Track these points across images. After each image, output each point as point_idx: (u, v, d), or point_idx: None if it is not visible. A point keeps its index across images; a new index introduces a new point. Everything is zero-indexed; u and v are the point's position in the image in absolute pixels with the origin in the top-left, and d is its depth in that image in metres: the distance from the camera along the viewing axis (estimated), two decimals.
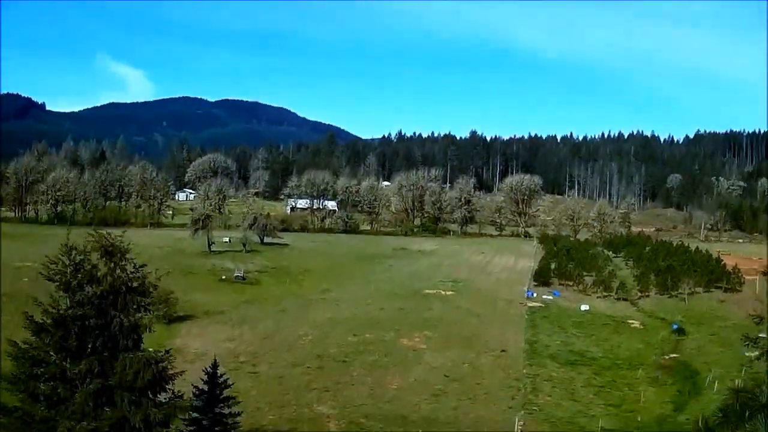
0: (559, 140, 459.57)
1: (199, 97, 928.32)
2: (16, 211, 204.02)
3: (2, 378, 30.66)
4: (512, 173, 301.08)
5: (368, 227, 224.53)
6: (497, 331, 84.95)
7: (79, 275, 30.53)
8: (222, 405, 40.99)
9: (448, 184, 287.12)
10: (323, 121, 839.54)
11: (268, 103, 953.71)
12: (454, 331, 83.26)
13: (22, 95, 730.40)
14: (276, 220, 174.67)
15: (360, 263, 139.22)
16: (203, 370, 41.73)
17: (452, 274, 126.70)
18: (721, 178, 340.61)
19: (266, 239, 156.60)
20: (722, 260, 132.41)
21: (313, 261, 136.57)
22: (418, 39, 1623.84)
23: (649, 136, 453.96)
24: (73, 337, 29.97)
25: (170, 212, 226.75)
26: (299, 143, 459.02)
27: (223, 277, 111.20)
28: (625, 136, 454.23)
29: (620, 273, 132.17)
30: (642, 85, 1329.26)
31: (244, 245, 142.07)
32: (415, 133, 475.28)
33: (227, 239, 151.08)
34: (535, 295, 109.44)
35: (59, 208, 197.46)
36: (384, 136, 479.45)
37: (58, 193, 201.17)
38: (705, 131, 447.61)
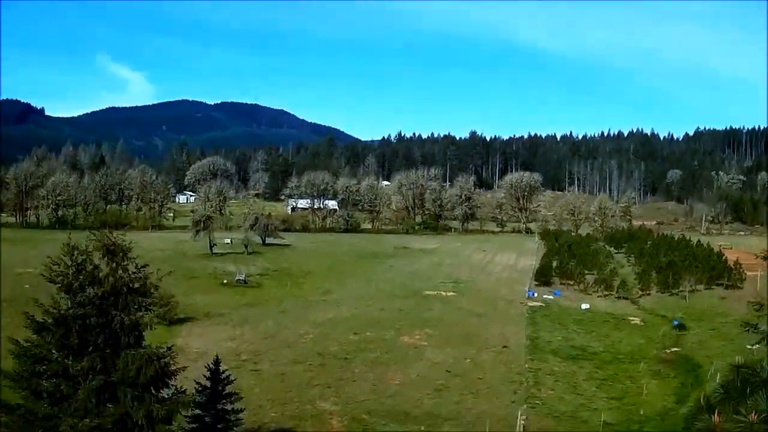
0: (558, 139, 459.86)
1: (198, 100, 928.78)
2: (17, 216, 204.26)
3: (5, 376, 30.77)
4: (512, 171, 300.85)
5: (369, 226, 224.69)
6: (498, 329, 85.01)
7: (81, 276, 30.68)
8: (224, 401, 41.08)
9: (448, 183, 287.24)
10: (323, 123, 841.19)
11: (267, 105, 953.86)
12: (455, 329, 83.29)
13: (21, 101, 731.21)
14: (277, 220, 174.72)
15: (361, 263, 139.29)
16: (205, 367, 41.87)
17: (453, 273, 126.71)
18: (721, 173, 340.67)
19: (268, 240, 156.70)
20: (724, 255, 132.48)
21: (315, 262, 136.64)
22: (416, 39, 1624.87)
23: (648, 134, 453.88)
24: (75, 335, 30.11)
25: (171, 214, 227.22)
26: (299, 145, 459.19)
27: (225, 281, 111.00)
28: (625, 134, 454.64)
29: (622, 270, 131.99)
30: (642, 83, 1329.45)
31: (246, 246, 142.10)
32: (414, 134, 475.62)
33: (229, 240, 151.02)
34: (536, 294, 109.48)
35: (60, 213, 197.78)
36: (383, 138, 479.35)
37: (58, 198, 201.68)
38: (704, 128, 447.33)
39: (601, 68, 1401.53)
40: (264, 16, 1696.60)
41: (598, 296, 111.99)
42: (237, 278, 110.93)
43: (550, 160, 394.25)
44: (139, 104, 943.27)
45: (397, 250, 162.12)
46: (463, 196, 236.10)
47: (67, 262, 30.85)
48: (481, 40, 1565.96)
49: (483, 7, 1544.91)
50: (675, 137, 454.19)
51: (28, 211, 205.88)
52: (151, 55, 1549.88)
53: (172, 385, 32.62)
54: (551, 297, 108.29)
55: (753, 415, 8.07)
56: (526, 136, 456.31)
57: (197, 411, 39.65)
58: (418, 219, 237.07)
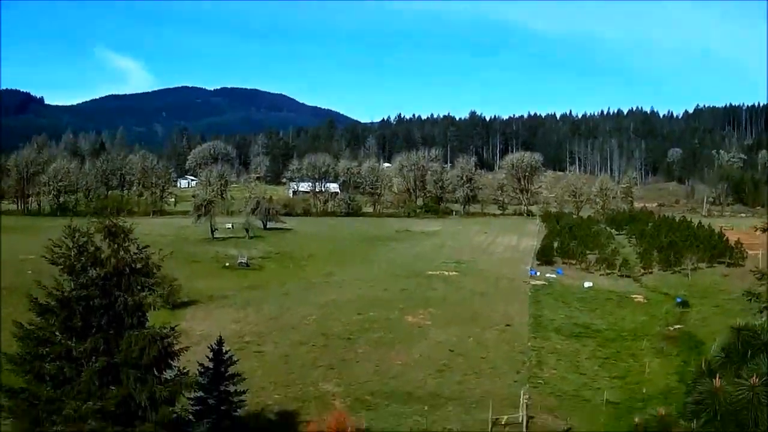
0: (558, 118, 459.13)
1: (197, 86, 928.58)
2: (19, 203, 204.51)
3: (8, 359, 30.81)
4: (512, 152, 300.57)
5: (371, 209, 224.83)
6: (501, 308, 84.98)
7: (83, 258, 30.69)
8: (227, 383, 41.16)
9: (449, 164, 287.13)
10: (322, 107, 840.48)
11: (267, 90, 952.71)
12: (458, 308, 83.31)
13: (21, 90, 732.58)
14: (278, 204, 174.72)
15: (363, 246, 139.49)
16: (208, 347, 41.99)
17: (455, 254, 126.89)
18: (722, 151, 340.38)
19: (269, 224, 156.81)
20: (725, 235, 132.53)
21: (317, 245, 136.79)
22: (414, 21, 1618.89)
23: (648, 112, 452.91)
24: (78, 317, 30.14)
25: (172, 200, 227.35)
26: (299, 128, 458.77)
27: (227, 264, 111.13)
28: (625, 113, 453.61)
29: (623, 251, 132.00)
30: (640, 61, 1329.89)
31: (247, 231, 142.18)
32: (414, 115, 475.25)
33: (230, 225, 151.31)
34: (538, 273, 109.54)
35: (61, 199, 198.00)
36: (383, 119, 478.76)
37: (59, 184, 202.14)
38: (704, 106, 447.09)
39: (599, 46, 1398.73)
40: (261, 1, 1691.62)
41: (600, 275, 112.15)
42: (239, 261, 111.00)
43: (550, 140, 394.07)
44: (138, 92, 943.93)
45: (398, 233, 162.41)
46: (464, 178, 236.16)
47: (68, 244, 30.86)
48: (479, 20, 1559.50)
49: None
50: (675, 115, 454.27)
51: (30, 198, 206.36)
52: (150, 42, 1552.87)
53: (175, 366, 32.68)
54: (554, 276, 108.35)
55: (754, 377, 8.07)
56: (525, 116, 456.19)
57: (200, 393, 39.76)
58: (420, 202, 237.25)
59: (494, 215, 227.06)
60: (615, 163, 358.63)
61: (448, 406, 51.44)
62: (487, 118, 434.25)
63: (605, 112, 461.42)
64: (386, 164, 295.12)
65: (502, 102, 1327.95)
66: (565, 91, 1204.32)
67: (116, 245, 31.11)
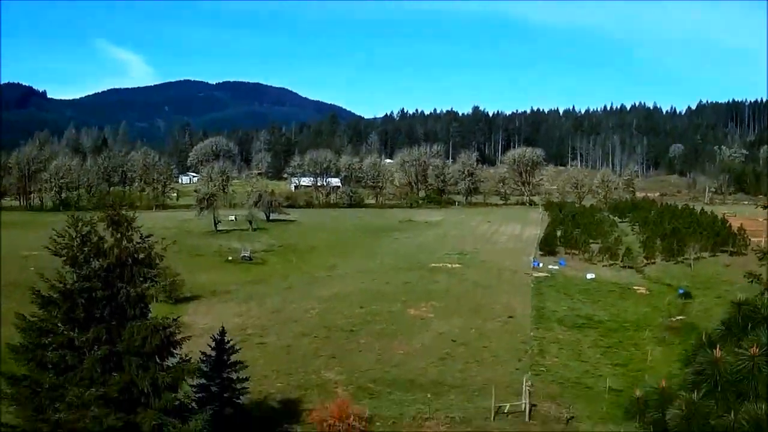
0: (561, 114, 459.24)
1: (200, 80, 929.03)
2: (21, 199, 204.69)
3: (10, 349, 30.91)
4: (514, 147, 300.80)
5: (373, 201, 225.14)
6: (504, 300, 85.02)
7: (86, 249, 30.74)
8: (229, 370, 41.31)
9: (451, 160, 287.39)
10: (326, 101, 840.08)
11: (269, 84, 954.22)
12: (460, 300, 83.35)
13: (23, 84, 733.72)
14: (281, 197, 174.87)
15: (365, 237, 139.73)
16: (211, 337, 42.15)
17: (458, 245, 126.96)
18: (724, 147, 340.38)
19: (272, 216, 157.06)
20: (728, 221, 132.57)
21: (319, 237, 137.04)
22: (417, 15, 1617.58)
23: (651, 108, 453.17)
24: (81, 308, 30.25)
25: (174, 194, 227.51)
26: (301, 124, 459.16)
27: (230, 258, 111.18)
28: (628, 108, 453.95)
29: (626, 239, 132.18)
30: (644, 57, 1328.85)
31: (251, 223, 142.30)
32: (417, 111, 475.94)
33: (233, 218, 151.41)
34: (541, 264, 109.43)
35: (63, 195, 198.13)
36: (386, 115, 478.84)
37: (61, 181, 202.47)
38: (707, 102, 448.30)
39: (602, 43, 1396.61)
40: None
41: (603, 265, 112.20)
42: (242, 255, 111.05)
43: (552, 135, 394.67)
44: (140, 86, 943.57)
45: (401, 223, 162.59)
46: (465, 172, 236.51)
47: (71, 234, 30.91)
48: (483, 15, 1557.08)
49: None
50: (677, 111, 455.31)
51: (32, 195, 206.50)
52: (152, 36, 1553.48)
53: (177, 354, 32.78)
54: (556, 267, 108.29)
55: (754, 347, 8.11)
56: (528, 111, 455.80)
57: (203, 380, 39.91)
58: (422, 194, 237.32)
59: (496, 205, 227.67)
60: (617, 158, 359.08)
61: (450, 394, 51.59)
62: (490, 114, 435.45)
63: (608, 108, 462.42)
64: (388, 160, 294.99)
65: (505, 98, 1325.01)
66: (568, 87, 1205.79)
67: (119, 234, 31.20)
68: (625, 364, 60.85)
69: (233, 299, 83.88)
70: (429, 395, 50.27)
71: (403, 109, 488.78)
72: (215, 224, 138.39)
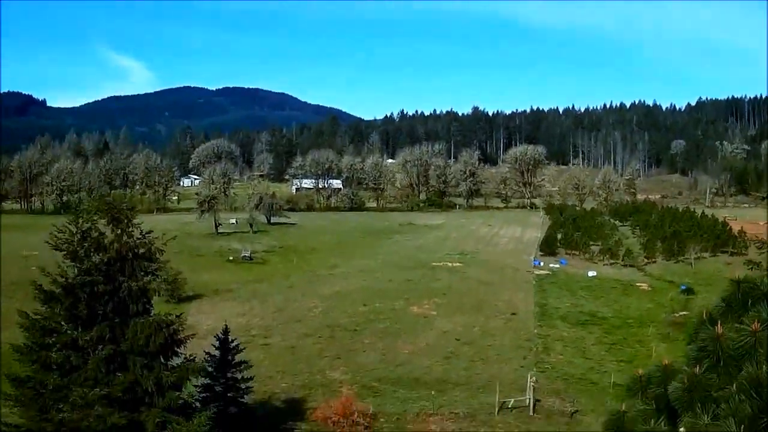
0: (561, 112, 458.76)
1: (200, 86, 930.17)
2: (22, 203, 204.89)
3: (14, 349, 30.94)
4: (516, 146, 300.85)
5: (374, 204, 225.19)
6: (506, 297, 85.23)
7: (86, 243, 30.76)
8: (234, 370, 41.32)
9: (452, 159, 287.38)
10: (325, 105, 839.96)
11: (269, 89, 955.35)
12: (463, 298, 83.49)
13: (23, 92, 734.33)
14: (282, 199, 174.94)
15: (367, 239, 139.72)
16: (215, 336, 42.18)
17: (459, 246, 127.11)
18: (725, 143, 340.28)
19: (273, 219, 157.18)
20: (728, 224, 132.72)
21: (321, 238, 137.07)
22: (416, 16, 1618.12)
23: (651, 105, 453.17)
24: (83, 303, 30.24)
25: (176, 197, 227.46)
26: (302, 125, 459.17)
27: (231, 258, 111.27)
28: (628, 106, 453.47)
29: (627, 241, 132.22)
30: (643, 54, 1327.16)
31: (251, 225, 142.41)
32: (417, 111, 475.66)
33: (234, 220, 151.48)
34: (542, 264, 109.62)
35: (65, 198, 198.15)
36: (386, 116, 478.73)
37: (62, 184, 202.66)
38: (707, 98, 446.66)
39: (602, 41, 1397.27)
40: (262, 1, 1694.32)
41: (604, 264, 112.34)
42: (243, 255, 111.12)
43: (553, 133, 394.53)
44: (141, 92, 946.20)
45: (402, 226, 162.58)
46: (467, 172, 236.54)
47: (72, 230, 30.96)
48: (481, 15, 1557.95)
49: None
50: (677, 108, 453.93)
51: (33, 198, 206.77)
52: (152, 42, 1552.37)
53: (181, 353, 32.81)
54: (557, 266, 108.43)
55: (756, 323, 8.14)
56: (528, 111, 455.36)
57: (207, 380, 39.95)
58: (423, 196, 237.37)
59: (497, 208, 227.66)
60: (618, 155, 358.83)
61: (455, 391, 51.65)
62: (490, 113, 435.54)
63: (608, 106, 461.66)
64: (390, 160, 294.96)
65: (505, 97, 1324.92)
66: (568, 86, 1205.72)
67: (120, 230, 31.24)
68: (630, 360, 60.81)
69: (236, 298, 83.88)
70: (433, 392, 50.35)
71: (403, 110, 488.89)
72: (216, 227, 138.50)
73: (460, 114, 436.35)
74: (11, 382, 30.49)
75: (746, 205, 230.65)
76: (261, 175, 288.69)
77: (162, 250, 32.68)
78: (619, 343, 67.14)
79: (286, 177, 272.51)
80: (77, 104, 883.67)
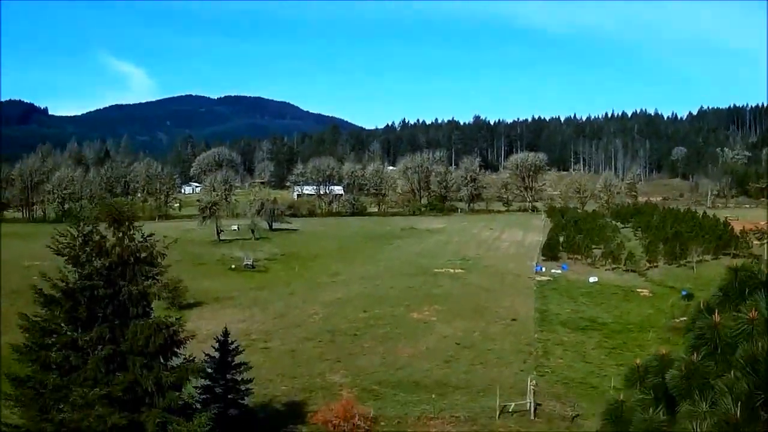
0: (562, 121, 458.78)
1: (201, 94, 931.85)
2: (24, 211, 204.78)
3: (13, 349, 30.97)
4: (517, 153, 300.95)
5: (375, 209, 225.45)
6: (507, 303, 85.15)
7: (88, 248, 30.83)
8: (234, 371, 41.35)
9: (453, 167, 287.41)
10: (326, 114, 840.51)
11: (270, 98, 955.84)
12: (463, 304, 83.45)
13: (24, 101, 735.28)
14: (283, 205, 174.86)
15: (368, 244, 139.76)
16: (214, 338, 42.22)
17: (461, 251, 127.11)
18: (726, 149, 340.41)
19: (275, 225, 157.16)
20: (730, 225, 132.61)
21: (322, 244, 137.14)
22: (417, 25, 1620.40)
23: (652, 113, 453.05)
24: (83, 307, 30.30)
25: (177, 204, 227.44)
26: (303, 134, 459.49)
27: (233, 266, 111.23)
28: (629, 115, 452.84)
29: (629, 244, 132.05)
30: (645, 60, 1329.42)
31: (253, 232, 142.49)
32: (418, 120, 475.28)
33: (236, 227, 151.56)
34: (543, 269, 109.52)
35: (66, 206, 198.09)
36: (388, 125, 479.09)
37: (64, 192, 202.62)
38: (708, 107, 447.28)
39: (603, 49, 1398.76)
40: (263, 8, 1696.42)
41: (605, 269, 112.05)
42: (245, 263, 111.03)
43: (554, 141, 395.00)
44: (142, 101, 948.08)
45: (403, 230, 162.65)
46: (468, 177, 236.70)
47: (73, 234, 31.02)
48: (482, 23, 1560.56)
49: None
50: (679, 116, 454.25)
51: (35, 206, 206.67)
52: (153, 51, 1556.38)
53: (181, 354, 32.84)
54: (559, 271, 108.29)
55: (753, 312, 8.17)
56: (530, 120, 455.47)
57: (207, 382, 39.97)
58: (424, 201, 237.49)
59: (499, 212, 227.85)
60: (619, 162, 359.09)
61: (455, 395, 51.65)
62: (492, 122, 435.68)
63: (609, 115, 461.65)
64: (390, 167, 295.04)
65: (507, 106, 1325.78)
66: (568, 95, 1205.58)
67: (121, 233, 31.30)
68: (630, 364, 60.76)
69: (237, 305, 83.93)
70: (434, 396, 50.39)
71: (404, 119, 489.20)
72: (218, 233, 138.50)
73: (461, 123, 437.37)
74: (11, 382, 30.55)
75: (747, 206, 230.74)
76: (262, 183, 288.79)
77: (164, 254, 32.76)
78: (619, 347, 67.04)
79: (287, 184, 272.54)
80: (79, 113, 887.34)
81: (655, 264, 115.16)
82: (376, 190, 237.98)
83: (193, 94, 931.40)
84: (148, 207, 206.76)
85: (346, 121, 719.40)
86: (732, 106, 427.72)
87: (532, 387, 48.90)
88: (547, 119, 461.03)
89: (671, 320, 77.90)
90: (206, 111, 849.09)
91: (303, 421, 45.62)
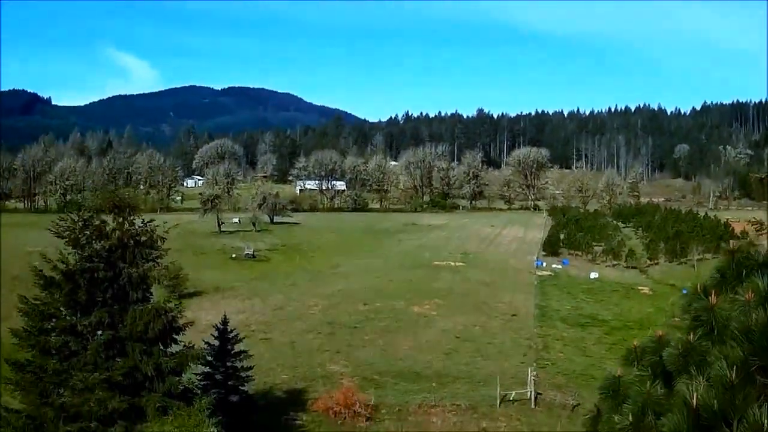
0: (566, 116, 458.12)
1: (205, 85, 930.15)
2: (26, 201, 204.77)
3: (12, 333, 31.04)
4: (519, 148, 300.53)
5: (377, 205, 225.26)
6: (507, 298, 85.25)
7: (88, 231, 30.86)
8: (233, 359, 41.42)
9: (456, 161, 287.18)
10: (330, 106, 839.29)
11: (274, 89, 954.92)
12: (464, 298, 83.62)
13: (28, 90, 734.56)
14: (285, 199, 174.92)
15: (370, 238, 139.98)
16: (214, 326, 42.28)
17: (462, 246, 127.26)
18: (728, 147, 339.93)
19: (276, 219, 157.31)
20: (731, 225, 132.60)
21: (323, 238, 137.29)
22: (421, 19, 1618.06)
23: (655, 109, 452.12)
24: (83, 290, 30.31)
25: (179, 197, 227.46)
26: (306, 127, 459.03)
27: (233, 255, 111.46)
28: (632, 110, 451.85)
29: (629, 242, 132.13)
30: (648, 57, 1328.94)
31: (254, 224, 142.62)
32: (422, 113, 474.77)
33: (237, 220, 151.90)
34: (544, 264, 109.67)
35: (68, 197, 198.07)
36: (391, 118, 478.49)
37: (66, 183, 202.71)
38: (711, 103, 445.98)
39: (607, 44, 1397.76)
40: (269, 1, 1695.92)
41: (606, 266, 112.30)
42: (245, 253, 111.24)
43: (557, 136, 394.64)
44: (145, 91, 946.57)
45: (405, 226, 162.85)
46: (470, 174, 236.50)
47: (74, 218, 31.10)
48: (485, 19, 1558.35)
49: None
50: (682, 112, 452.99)
51: (36, 197, 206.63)
52: (156, 42, 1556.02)
53: (180, 341, 32.91)
54: (560, 267, 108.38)
55: (749, 293, 8.21)
56: (533, 114, 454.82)
57: (207, 369, 40.05)
58: (426, 198, 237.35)
59: (501, 209, 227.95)
60: (622, 159, 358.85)
61: (456, 384, 51.83)
62: (495, 116, 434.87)
63: (612, 110, 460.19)
64: (393, 162, 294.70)
65: (510, 100, 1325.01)
66: (572, 89, 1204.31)
67: (121, 218, 31.37)
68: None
69: (237, 296, 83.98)
70: (434, 385, 50.57)
71: (407, 111, 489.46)
72: (219, 225, 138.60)
73: (464, 116, 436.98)
74: (11, 366, 30.57)
75: (750, 208, 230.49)
76: (264, 176, 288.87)
77: (164, 238, 32.79)
78: (619, 343, 66.84)
79: (290, 178, 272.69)
80: (82, 103, 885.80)
81: (655, 262, 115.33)
82: (378, 185, 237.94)
83: (197, 85, 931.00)
84: (151, 199, 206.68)
85: (350, 114, 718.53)
86: (735, 101, 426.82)
87: (532, 377, 49.09)
88: (550, 113, 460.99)
89: (672, 318, 77.81)
90: (210, 102, 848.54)
91: (304, 408, 45.78)
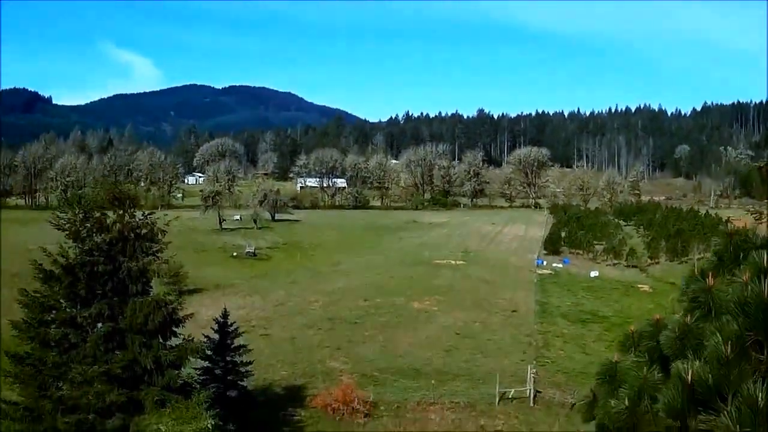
0: (566, 116, 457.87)
1: (206, 84, 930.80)
2: (27, 198, 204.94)
3: (12, 326, 31.04)
4: (520, 148, 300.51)
5: (378, 203, 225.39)
6: (508, 295, 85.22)
7: (88, 224, 30.88)
8: (233, 354, 41.42)
9: (457, 161, 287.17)
10: (331, 106, 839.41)
11: (275, 89, 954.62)
12: (464, 295, 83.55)
13: (29, 89, 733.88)
14: (286, 197, 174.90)
15: (370, 236, 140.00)
16: (213, 319, 42.28)
17: (462, 244, 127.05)
18: (729, 148, 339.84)
19: (277, 216, 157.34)
20: (732, 223, 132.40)
21: (324, 235, 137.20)
22: (422, 19, 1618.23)
23: (656, 109, 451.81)
24: (83, 283, 30.35)
25: (180, 195, 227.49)
26: (307, 126, 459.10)
27: (234, 254, 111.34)
28: (633, 111, 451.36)
29: (631, 241, 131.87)
30: (648, 57, 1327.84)
31: (255, 222, 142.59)
32: (422, 113, 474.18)
33: (238, 217, 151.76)
34: (545, 263, 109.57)
35: (69, 194, 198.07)
36: (391, 118, 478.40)
37: (67, 179, 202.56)
38: (712, 103, 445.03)
39: (607, 45, 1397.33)
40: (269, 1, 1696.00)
41: (607, 265, 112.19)
42: (246, 251, 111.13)
43: (558, 137, 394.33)
44: (146, 90, 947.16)
45: (406, 223, 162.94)
46: (471, 172, 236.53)
47: (74, 211, 31.10)
48: (485, 19, 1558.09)
49: None
50: (683, 113, 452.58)
51: (37, 194, 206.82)
52: (157, 41, 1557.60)
53: (180, 334, 32.91)
54: (560, 265, 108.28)
55: (746, 275, 8.18)
56: (533, 114, 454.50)
57: (206, 364, 40.04)
58: (427, 196, 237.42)
59: (502, 207, 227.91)
60: (622, 159, 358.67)
61: (455, 382, 51.78)
62: (495, 116, 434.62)
63: (613, 110, 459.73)
64: (394, 161, 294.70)
65: (510, 100, 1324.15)
66: (573, 89, 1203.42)
67: (122, 211, 31.38)
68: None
69: (237, 293, 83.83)
70: (433, 382, 50.49)
71: (408, 111, 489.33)
72: (220, 222, 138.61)
73: (465, 116, 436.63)
74: (10, 359, 30.59)
75: (751, 207, 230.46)
76: (265, 174, 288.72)
77: (164, 231, 32.81)
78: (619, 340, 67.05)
79: (291, 176, 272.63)
80: (83, 102, 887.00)
81: (656, 260, 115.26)
82: (379, 183, 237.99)
83: (198, 84, 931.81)
84: (151, 196, 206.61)
85: (350, 114, 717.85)
86: (736, 102, 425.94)
87: (531, 375, 49.07)
88: (551, 114, 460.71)
89: (672, 316, 77.83)
90: (211, 101, 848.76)
91: (302, 404, 45.82)
